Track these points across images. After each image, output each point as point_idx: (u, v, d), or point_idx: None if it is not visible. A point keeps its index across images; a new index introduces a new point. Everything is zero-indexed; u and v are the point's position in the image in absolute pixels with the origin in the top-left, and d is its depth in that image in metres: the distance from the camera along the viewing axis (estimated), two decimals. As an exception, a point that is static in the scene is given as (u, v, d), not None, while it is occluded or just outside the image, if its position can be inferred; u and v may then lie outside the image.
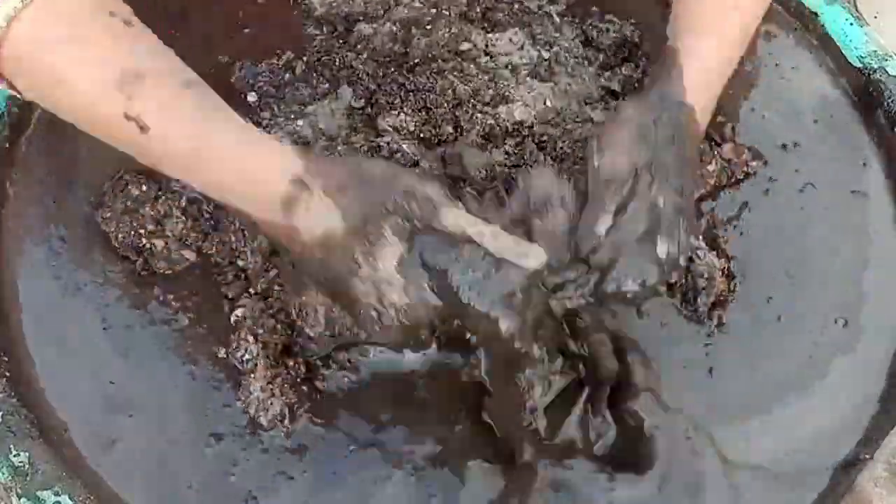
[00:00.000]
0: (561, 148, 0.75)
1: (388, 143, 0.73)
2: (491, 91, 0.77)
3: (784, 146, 0.79)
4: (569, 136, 0.76)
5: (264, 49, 0.81)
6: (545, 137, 0.76)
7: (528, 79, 0.79)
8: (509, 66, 0.80)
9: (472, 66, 0.78)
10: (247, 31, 0.82)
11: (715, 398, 0.68)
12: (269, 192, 0.60)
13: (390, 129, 0.75)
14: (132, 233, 0.70)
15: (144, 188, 0.71)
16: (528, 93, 0.78)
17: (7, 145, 0.74)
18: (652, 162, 0.65)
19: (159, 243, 0.70)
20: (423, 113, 0.76)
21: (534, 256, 0.60)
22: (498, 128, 0.76)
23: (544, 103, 0.78)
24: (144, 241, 0.70)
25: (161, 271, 0.70)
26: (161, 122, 0.59)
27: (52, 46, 0.58)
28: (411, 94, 0.77)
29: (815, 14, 0.83)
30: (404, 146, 0.74)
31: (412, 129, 0.75)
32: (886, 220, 0.77)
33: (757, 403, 0.68)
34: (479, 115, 0.76)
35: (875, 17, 1.11)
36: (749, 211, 0.76)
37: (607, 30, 0.82)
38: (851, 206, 0.77)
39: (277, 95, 0.78)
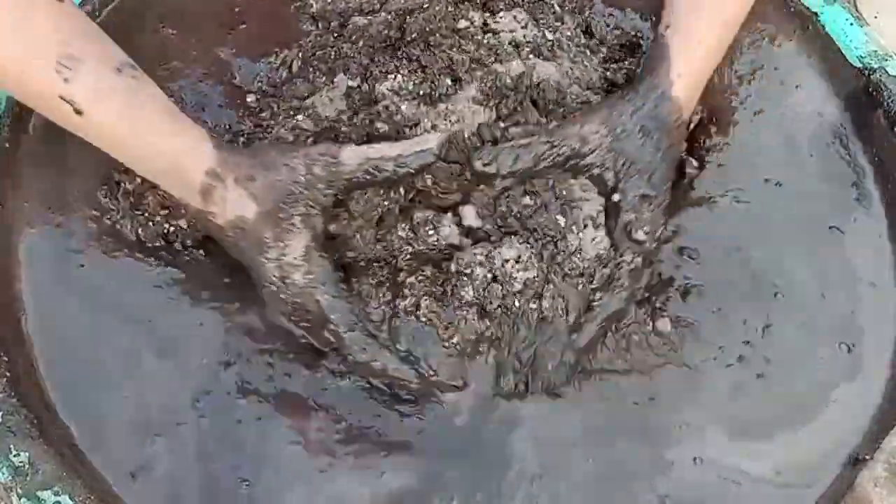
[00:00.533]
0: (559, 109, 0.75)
1: (386, 108, 0.73)
2: (491, 58, 0.76)
3: (778, 152, 0.79)
4: (567, 106, 0.75)
5: (261, 47, 0.80)
6: (542, 95, 0.75)
7: (531, 56, 0.78)
8: (513, 43, 0.78)
9: (470, 43, 0.77)
10: (243, 27, 0.82)
11: (720, 407, 0.68)
12: (189, 182, 0.66)
13: (388, 92, 0.74)
14: (149, 223, 0.71)
15: (138, 179, 0.72)
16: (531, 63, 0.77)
17: (7, 145, 0.74)
18: (617, 149, 0.68)
19: (182, 222, 0.71)
20: (420, 72, 0.75)
21: (432, 138, 0.67)
22: (497, 84, 0.74)
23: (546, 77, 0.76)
24: (166, 225, 0.71)
25: (197, 244, 0.72)
26: (93, 107, 0.63)
27: None
28: (405, 60, 0.76)
29: (815, 14, 0.83)
30: (403, 107, 0.73)
31: (410, 88, 0.74)
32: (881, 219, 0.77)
33: (760, 411, 0.68)
34: (478, 71, 0.75)
35: (875, 17, 1.11)
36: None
37: (607, 24, 0.82)
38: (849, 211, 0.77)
39: (276, 94, 0.78)
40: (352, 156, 0.66)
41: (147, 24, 0.81)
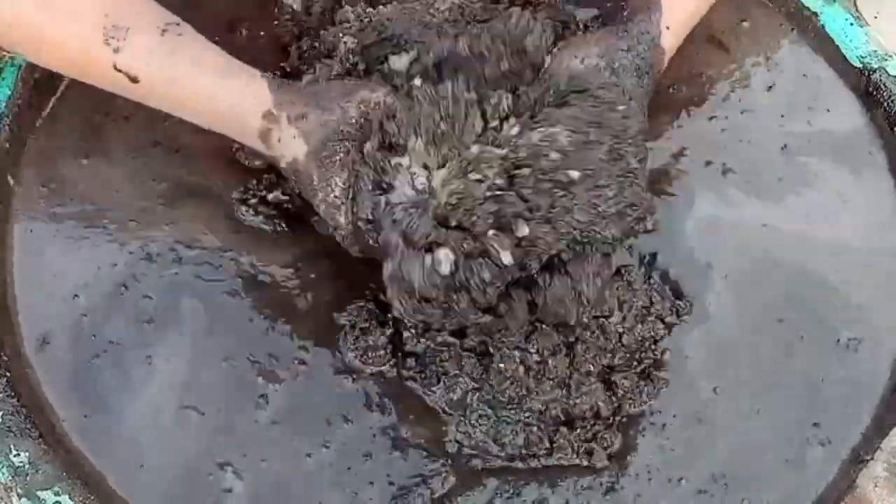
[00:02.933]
0: None
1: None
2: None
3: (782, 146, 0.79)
4: None
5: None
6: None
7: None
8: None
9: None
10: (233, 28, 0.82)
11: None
12: (248, 128, 0.66)
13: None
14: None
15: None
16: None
17: (8, 145, 0.74)
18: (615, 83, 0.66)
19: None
20: None
21: None
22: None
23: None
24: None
25: None
26: (146, 71, 0.64)
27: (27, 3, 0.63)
28: None
29: (816, 14, 0.83)
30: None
31: None
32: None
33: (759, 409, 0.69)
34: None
35: (875, 17, 1.11)
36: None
37: None
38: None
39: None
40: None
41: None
